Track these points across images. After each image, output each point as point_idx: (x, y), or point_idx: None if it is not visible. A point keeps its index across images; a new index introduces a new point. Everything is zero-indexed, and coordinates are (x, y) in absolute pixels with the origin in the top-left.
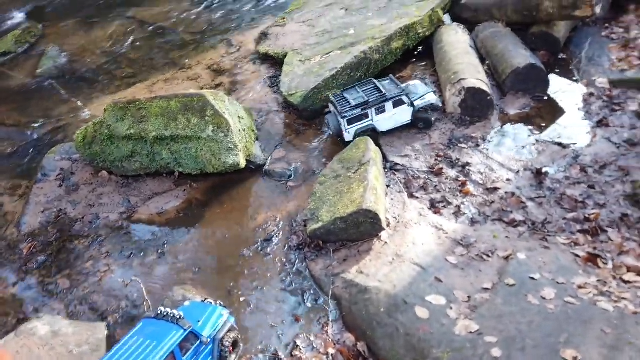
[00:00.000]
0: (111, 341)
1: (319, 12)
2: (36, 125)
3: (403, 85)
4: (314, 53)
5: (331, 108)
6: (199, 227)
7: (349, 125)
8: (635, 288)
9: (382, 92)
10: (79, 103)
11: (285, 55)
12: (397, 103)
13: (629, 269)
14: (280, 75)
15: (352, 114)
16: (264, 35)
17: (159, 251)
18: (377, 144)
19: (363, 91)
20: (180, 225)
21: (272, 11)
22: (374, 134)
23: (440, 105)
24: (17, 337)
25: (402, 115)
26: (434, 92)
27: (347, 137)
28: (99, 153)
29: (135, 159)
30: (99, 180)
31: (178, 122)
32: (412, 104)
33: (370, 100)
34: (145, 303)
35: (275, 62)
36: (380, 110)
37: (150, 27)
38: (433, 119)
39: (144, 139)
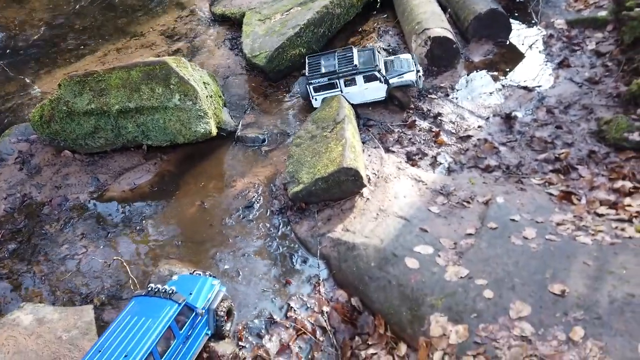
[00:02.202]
0: (100, 323)
1: None
2: None
3: (392, 58)
4: (273, 11)
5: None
6: (175, 199)
7: (315, 92)
8: (609, 220)
9: (354, 63)
10: (27, 80)
11: (243, 15)
12: (370, 78)
13: (601, 203)
14: (240, 37)
15: (319, 82)
16: None
17: (137, 228)
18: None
19: (338, 59)
20: (156, 200)
21: None
22: None
23: (419, 84)
24: None
25: (374, 91)
26: (418, 70)
27: (315, 104)
28: (59, 132)
29: (99, 134)
30: (62, 160)
31: (142, 92)
32: (386, 81)
33: (339, 71)
34: (130, 281)
35: (232, 23)
36: (350, 83)
37: None
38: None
39: (106, 113)
